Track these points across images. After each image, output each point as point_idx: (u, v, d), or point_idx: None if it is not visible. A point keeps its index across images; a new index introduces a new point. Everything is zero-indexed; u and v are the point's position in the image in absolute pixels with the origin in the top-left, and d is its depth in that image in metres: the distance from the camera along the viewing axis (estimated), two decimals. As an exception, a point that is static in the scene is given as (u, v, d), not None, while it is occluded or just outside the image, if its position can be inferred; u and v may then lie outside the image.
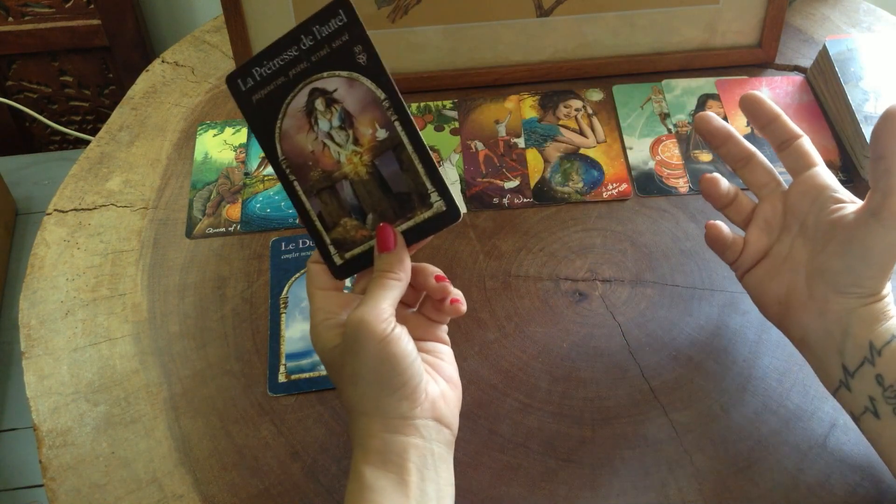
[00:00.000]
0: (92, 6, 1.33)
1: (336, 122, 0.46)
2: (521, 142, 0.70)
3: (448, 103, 0.73)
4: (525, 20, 0.72)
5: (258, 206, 0.66)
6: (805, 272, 0.50)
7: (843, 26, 0.81)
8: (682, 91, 0.74)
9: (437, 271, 0.48)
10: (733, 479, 0.50)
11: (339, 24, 0.45)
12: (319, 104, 0.46)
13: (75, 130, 1.46)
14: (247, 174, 0.68)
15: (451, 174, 0.68)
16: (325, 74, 0.46)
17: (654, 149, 0.70)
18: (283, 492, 0.51)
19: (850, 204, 0.49)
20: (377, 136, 0.46)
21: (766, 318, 0.53)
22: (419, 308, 0.49)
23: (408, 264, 0.46)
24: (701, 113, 0.54)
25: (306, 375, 0.56)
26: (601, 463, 0.51)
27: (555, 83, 0.75)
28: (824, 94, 0.72)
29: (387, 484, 0.42)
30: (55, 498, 0.51)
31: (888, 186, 0.46)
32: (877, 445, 0.48)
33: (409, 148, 0.46)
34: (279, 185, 0.67)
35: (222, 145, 0.71)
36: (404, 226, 0.46)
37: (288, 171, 0.47)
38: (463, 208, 0.47)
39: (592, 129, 0.71)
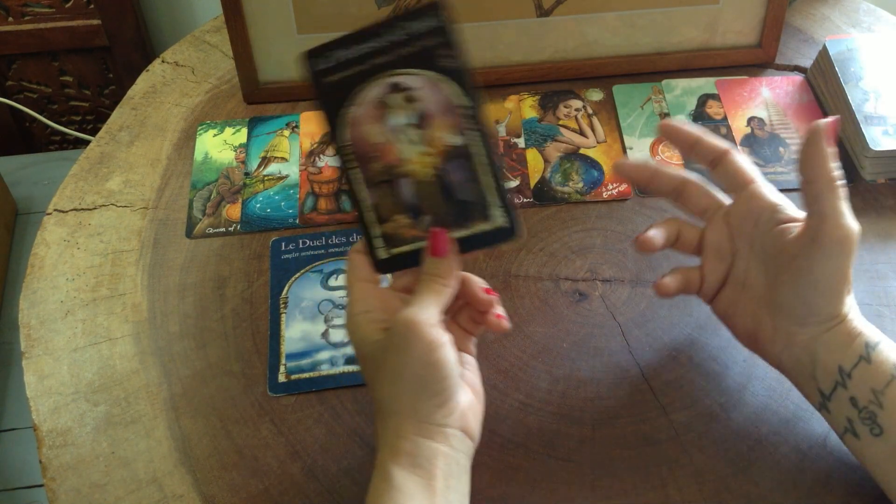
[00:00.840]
0: (92, 6, 1.33)
1: (412, 119, 0.46)
2: (521, 142, 0.70)
3: (448, 103, 0.73)
4: (525, 20, 0.72)
5: (258, 206, 0.66)
6: (765, 305, 0.50)
7: (843, 26, 0.81)
8: (682, 91, 0.74)
9: (485, 284, 0.47)
10: (733, 479, 0.50)
11: (436, 24, 0.44)
12: (399, 99, 0.46)
13: (75, 130, 1.46)
14: (247, 174, 0.68)
15: (451, 174, 0.68)
16: (411, 70, 0.45)
17: (654, 149, 0.70)
18: (283, 492, 0.51)
19: (794, 224, 0.48)
20: (451, 142, 0.46)
21: (744, 347, 0.53)
22: (455, 318, 0.49)
23: (457, 273, 0.46)
24: (618, 161, 0.53)
25: (306, 375, 0.56)
26: (601, 463, 0.51)
27: (555, 83, 0.75)
28: (824, 94, 0.72)
29: (414, 487, 0.42)
30: (55, 498, 0.51)
31: (821, 211, 0.46)
32: (862, 463, 0.48)
33: (483, 159, 0.45)
34: (279, 184, 0.67)
35: (222, 145, 0.71)
36: (459, 234, 0.46)
37: (352, 156, 0.46)
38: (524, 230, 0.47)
39: (592, 129, 0.71)
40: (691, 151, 0.52)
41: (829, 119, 0.47)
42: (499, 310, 0.48)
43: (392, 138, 0.46)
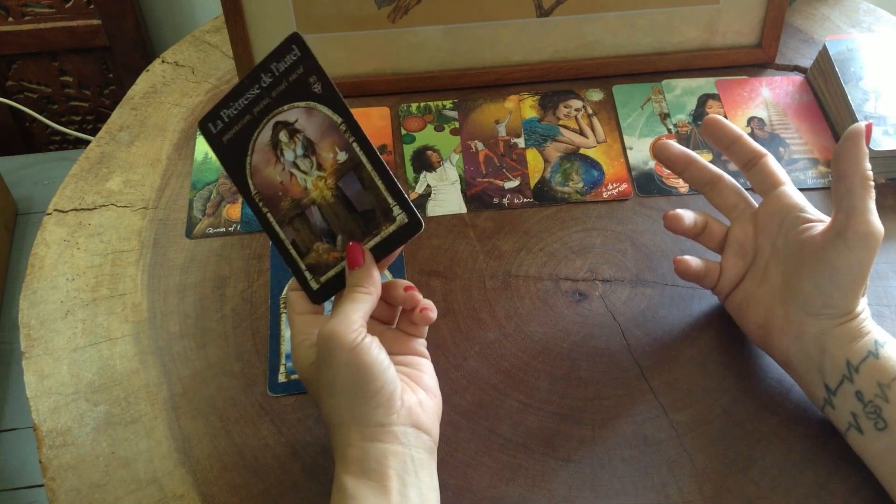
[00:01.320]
0: (92, 6, 1.33)
1: (300, 151, 0.49)
2: (521, 142, 0.70)
3: (448, 103, 0.73)
4: (525, 20, 0.72)
5: (258, 206, 0.66)
6: (780, 296, 0.51)
7: (843, 26, 0.81)
8: (683, 91, 0.74)
9: (407, 283, 0.49)
10: (733, 479, 0.50)
11: (294, 58, 0.47)
12: (283, 136, 0.49)
13: (75, 130, 1.46)
14: (247, 174, 0.68)
15: (451, 174, 0.68)
16: (285, 107, 0.48)
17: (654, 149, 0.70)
18: (283, 492, 0.51)
19: (818, 223, 0.50)
20: (338, 159, 0.48)
21: (751, 341, 0.54)
22: (397, 325, 0.51)
23: (377, 278, 0.47)
24: (661, 142, 0.54)
25: (306, 375, 0.56)
26: (601, 463, 0.51)
27: (555, 83, 0.75)
28: (824, 94, 0.72)
29: (368, 492, 0.42)
30: (55, 498, 0.51)
31: (850, 206, 0.47)
32: (865, 460, 0.48)
33: (368, 166, 0.48)
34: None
35: (222, 145, 0.71)
36: (371, 242, 0.48)
37: (261, 204, 0.49)
38: (423, 219, 0.51)
39: (592, 129, 0.71)
40: (728, 149, 0.54)
41: (866, 122, 0.49)
42: (423, 303, 0.49)
43: (290, 173, 0.49)
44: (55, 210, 0.66)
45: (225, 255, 0.63)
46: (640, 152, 0.69)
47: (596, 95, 0.74)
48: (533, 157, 0.69)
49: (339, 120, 0.48)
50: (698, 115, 0.72)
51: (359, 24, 0.72)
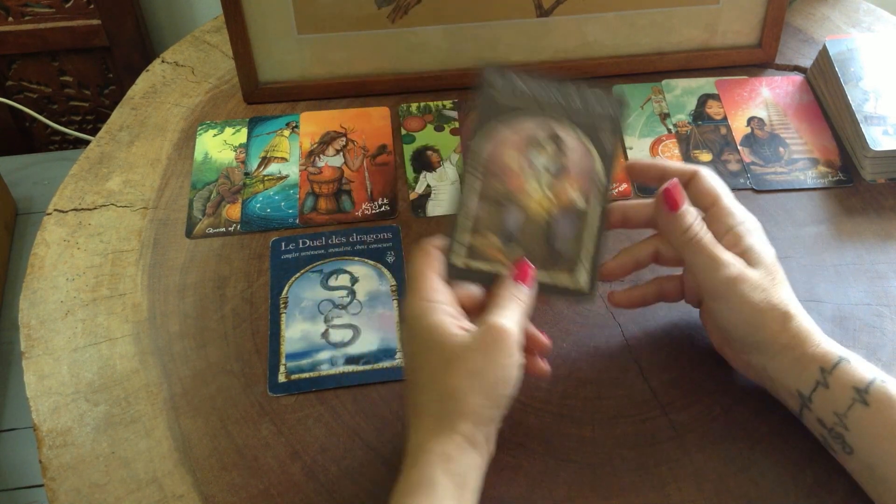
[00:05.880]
0: (92, 6, 1.33)
1: (550, 167, 0.49)
2: (521, 142, 0.70)
3: (448, 103, 0.73)
4: (525, 20, 0.72)
5: (258, 206, 0.66)
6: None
7: (843, 26, 0.81)
8: (682, 91, 0.74)
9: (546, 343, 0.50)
10: (733, 479, 0.50)
11: (610, 111, 0.50)
12: (549, 144, 0.50)
13: (75, 130, 1.45)
14: (247, 174, 0.68)
15: (451, 174, 0.68)
16: (568, 126, 0.50)
17: (654, 149, 0.70)
18: (283, 492, 0.51)
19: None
20: (573, 200, 0.49)
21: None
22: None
23: (533, 303, 0.48)
24: (626, 163, 0.54)
25: (306, 375, 0.56)
26: (601, 463, 0.51)
27: (555, 83, 0.75)
28: (824, 94, 0.72)
29: (449, 492, 0.42)
30: (55, 498, 0.51)
31: (692, 263, 0.49)
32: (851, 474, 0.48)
33: (591, 227, 0.49)
34: (279, 184, 0.67)
35: (222, 145, 0.71)
36: (540, 276, 0.49)
37: (478, 167, 0.49)
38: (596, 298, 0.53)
39: (592, 129, 0.71)
40: (661, 182, 0.51)
41: (670, 184, 0.50)
42: (547, 347, 0.50)
43: (525, 171, 0.49)
44: (55, 210, 0.66)
45: (225, 255, 0.63)
46: (640, 152, 0.69)
47: (596, 95, 0.74)
48: (533, 157, 0.69)
49: (604, 180, 0.49)
50: (698, 115, 0.72)
51: (359, 24, 0.72)
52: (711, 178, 0.51)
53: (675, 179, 0.50)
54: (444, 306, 0.45)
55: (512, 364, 0.44)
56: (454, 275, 0.48)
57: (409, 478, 0.43)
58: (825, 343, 0.48)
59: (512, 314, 0.45)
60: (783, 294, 0.48)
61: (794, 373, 0.47)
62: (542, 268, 0.49)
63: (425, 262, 0.47)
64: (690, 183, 0.51)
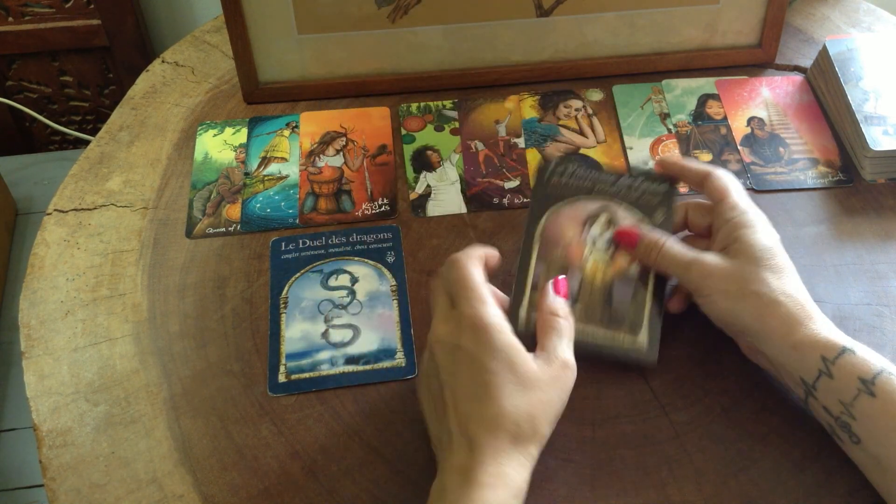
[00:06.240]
0: (92, 6, 1.33)
1: (606, 236, 0.56)
2: (521, 142, 0.70)
3: (448, 103, 0.73)
4: (525, 20, 0.72)
5: (258, 206, 0.66)
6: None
7: (843, 26, 0.81)
8: (682, 91, 0.74)
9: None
10: (733, 479, 0.50)
11: (661, 190, 0.57)
12: (604, 219, 0.56)
13: (75, 130, 1.46)
14: (247, 174, 0.68)
15: (451, 174, 0.68)
16: (623, 205, 0.57)
17: (654, 149, 0.70)
18: (283, 492, 0.51)
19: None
20: (629, 269, 0.55)
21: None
22: None
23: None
24: (658, 158, 0.60)
25: (306, 375, 0.56)
26: (601, 463, 0.51)
27: (555, 83, 0.75)
28: (824, 94, 0.72)
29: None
30: (55, 498, 0.51)
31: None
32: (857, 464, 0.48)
33: (648, 294, 0.54)
34: (279, 184, 0.67)
35: (222, 145, 0.71)
36: (601, 335, 0.53)
37: (538, 237, 0.56)
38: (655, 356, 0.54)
39: (592, 129, 0.71)
40: (681, 178, 0.58)
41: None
42: None
43: (582, 243, 0.56)
44: (55, 210, 0.66)
45: (225, 255, 0.63)
46: (640, 152, 0.69)
47: (596, 95, 0.74)
48: (533, 157, 0.69)
49: None
50: (698, 115, 0.72)
51: (359, 24, 0.72)
52: (723, 176, 0.55)
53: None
54: (518, 343, 0.47)
55: (567, 398, 0.47)
56: (521, 331, 0.51)
57: (484, 498, 0.42)
58: (826, 331, 0.48)
59: (570, 343, 0.48)
60: (771, 281, 0.49)
61: (794, 359, 0.48)
62: (603, 324, 0.53)
63: (476, 268, 0.49)
64: (705, 182, 0.55)
